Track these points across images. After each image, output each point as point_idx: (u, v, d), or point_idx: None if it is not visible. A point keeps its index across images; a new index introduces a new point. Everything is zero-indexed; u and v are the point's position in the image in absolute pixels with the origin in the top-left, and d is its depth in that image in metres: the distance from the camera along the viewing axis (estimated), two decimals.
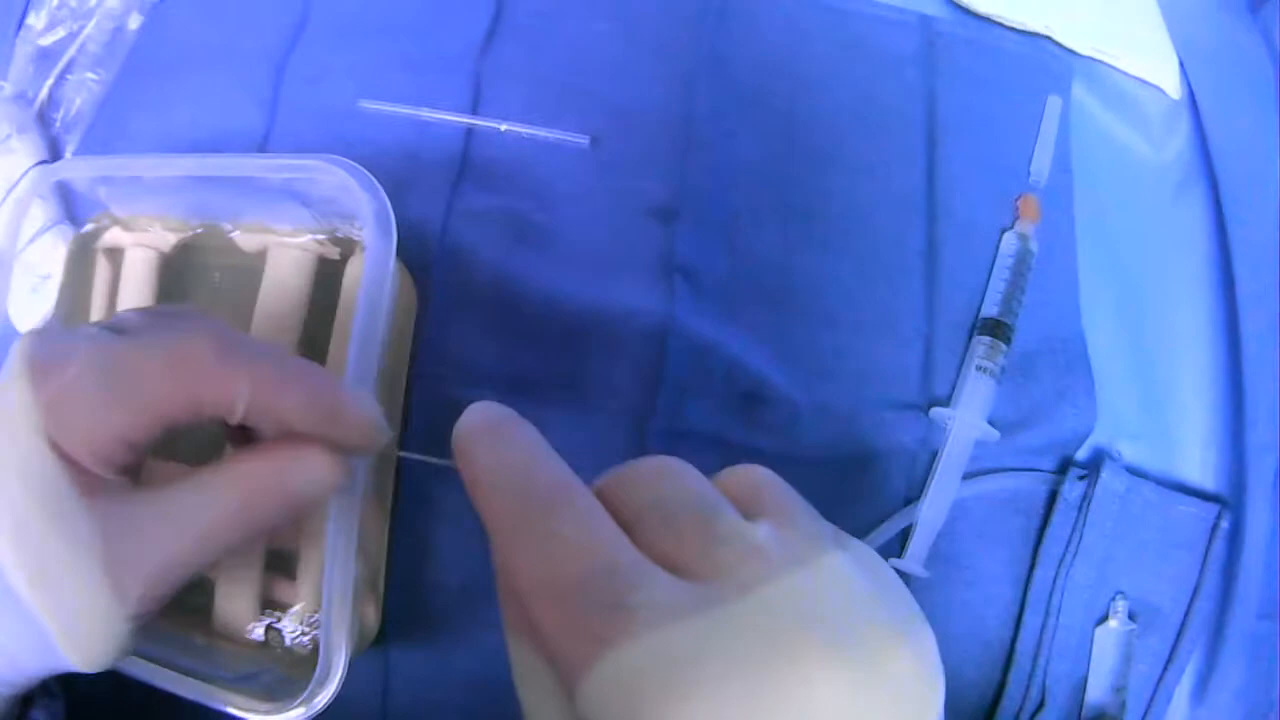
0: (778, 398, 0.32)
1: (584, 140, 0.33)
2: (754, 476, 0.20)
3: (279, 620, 0.31)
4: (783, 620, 0.15)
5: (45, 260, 0.37)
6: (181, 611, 0.32)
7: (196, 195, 0.33)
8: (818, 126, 0.34)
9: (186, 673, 0.28)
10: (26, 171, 0.39)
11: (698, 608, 0.15)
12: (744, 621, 0.15)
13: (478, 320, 0.32)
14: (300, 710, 0.26)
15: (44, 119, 0.41)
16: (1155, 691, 0.35)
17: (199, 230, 0.34)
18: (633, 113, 0.34)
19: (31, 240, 0.38)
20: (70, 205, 0.38)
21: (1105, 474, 0.34)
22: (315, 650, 0.31)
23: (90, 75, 0.41)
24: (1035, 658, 0.34)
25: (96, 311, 0.35)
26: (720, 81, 0.34)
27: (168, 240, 0.35)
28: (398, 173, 0.33)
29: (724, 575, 0.16)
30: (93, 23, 0.42)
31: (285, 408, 0.21)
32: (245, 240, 0.33)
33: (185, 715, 0.29)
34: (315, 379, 0.22)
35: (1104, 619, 0.35)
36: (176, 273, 0.34)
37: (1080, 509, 0.34)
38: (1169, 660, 0.35)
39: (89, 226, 0.37)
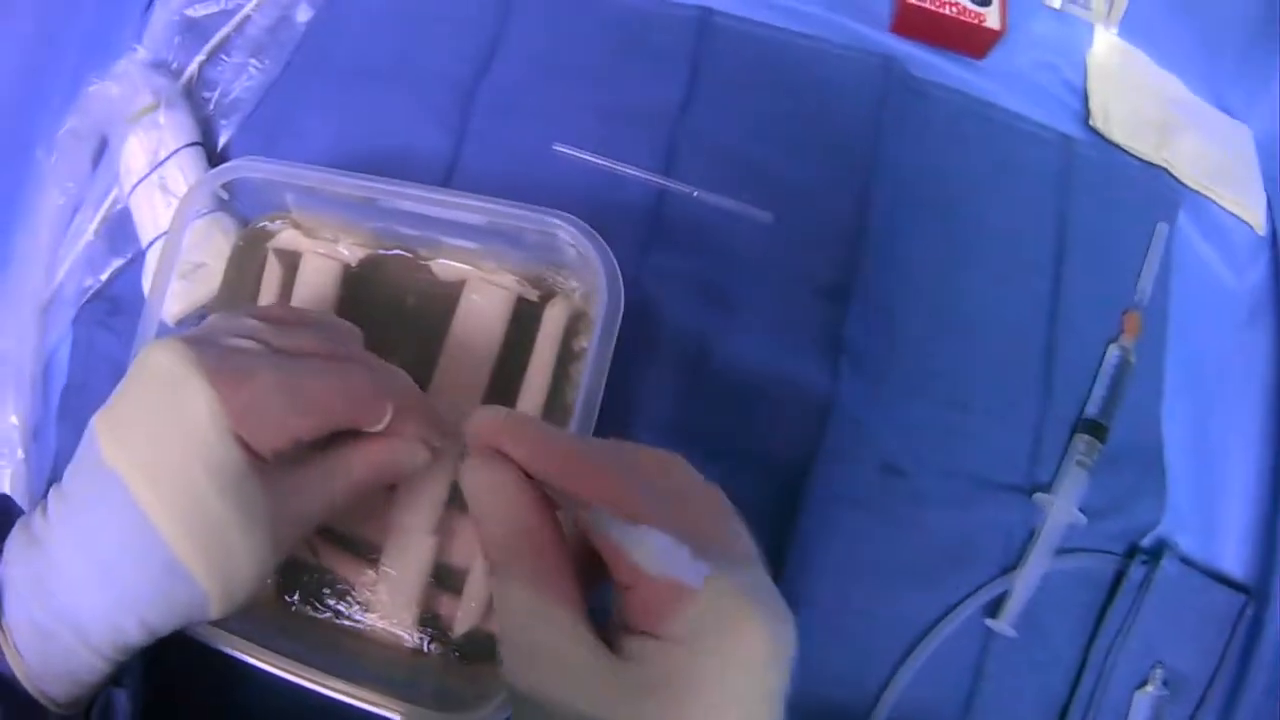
0: (910, 470, 0.36)
1: (768, 216, 0.36)
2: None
3: (443, 628, 0.34)
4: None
5: (197, 248, 0.37)
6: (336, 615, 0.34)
7: (391, 216, 0.35)
8: (969, 230, 0.38)
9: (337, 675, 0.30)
10: (175, 152, 0.38)
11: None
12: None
13: (658, 371, 0.35)
14: (490, 710, 0.29)
15: (192, 96, 0.41)
16: None
17: (393, 251, 0.36)
18: (810, 193, 0.37)
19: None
20: (231, 196, 0.38)
21: (1164, 562, 0.39)
22: (470, 661, 0.33)
23: (253, 62, 0.41)
24: (1086, 713, 0.39)
25: None
26: (891, 176, 0.37)
27: (354, 254, 0.36)
28: (589, 220, 0.35)
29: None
30: (252, 4, 0.41)
31: (408, 425, 0.28)
32: (442, 269, 0.35)
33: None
34: (424, 406, 0.29)
35: (1143, 684, 0.40)
36: (362, 289, 0.36)
37: (1139, 590, 0.39)
38: None
39: (262, 223, 0.38)
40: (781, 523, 0.35)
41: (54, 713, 0.24)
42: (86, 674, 0.25)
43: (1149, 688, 0.40)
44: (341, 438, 0.27)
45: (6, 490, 0.40)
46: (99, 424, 0.24)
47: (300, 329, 0.28)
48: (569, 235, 0.31)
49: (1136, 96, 0.43)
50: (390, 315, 0.35)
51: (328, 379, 0.26)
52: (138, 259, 0.39)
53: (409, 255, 0.35)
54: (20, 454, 0.40)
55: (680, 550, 0.20)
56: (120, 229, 0.39)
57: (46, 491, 0.25)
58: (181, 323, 0.37)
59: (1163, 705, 0.40)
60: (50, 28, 0.42)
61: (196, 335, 0.26)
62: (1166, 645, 0.40)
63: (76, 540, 0.24)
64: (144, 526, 0.23)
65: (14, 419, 0.40)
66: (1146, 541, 0.40)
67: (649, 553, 0.20)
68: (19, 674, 0.24)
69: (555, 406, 0.34)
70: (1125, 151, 0.42)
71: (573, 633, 0.20)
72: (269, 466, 0.25)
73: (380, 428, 0.27)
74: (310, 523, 0.28)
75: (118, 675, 0.26)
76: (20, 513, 0.26)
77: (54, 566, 0.24)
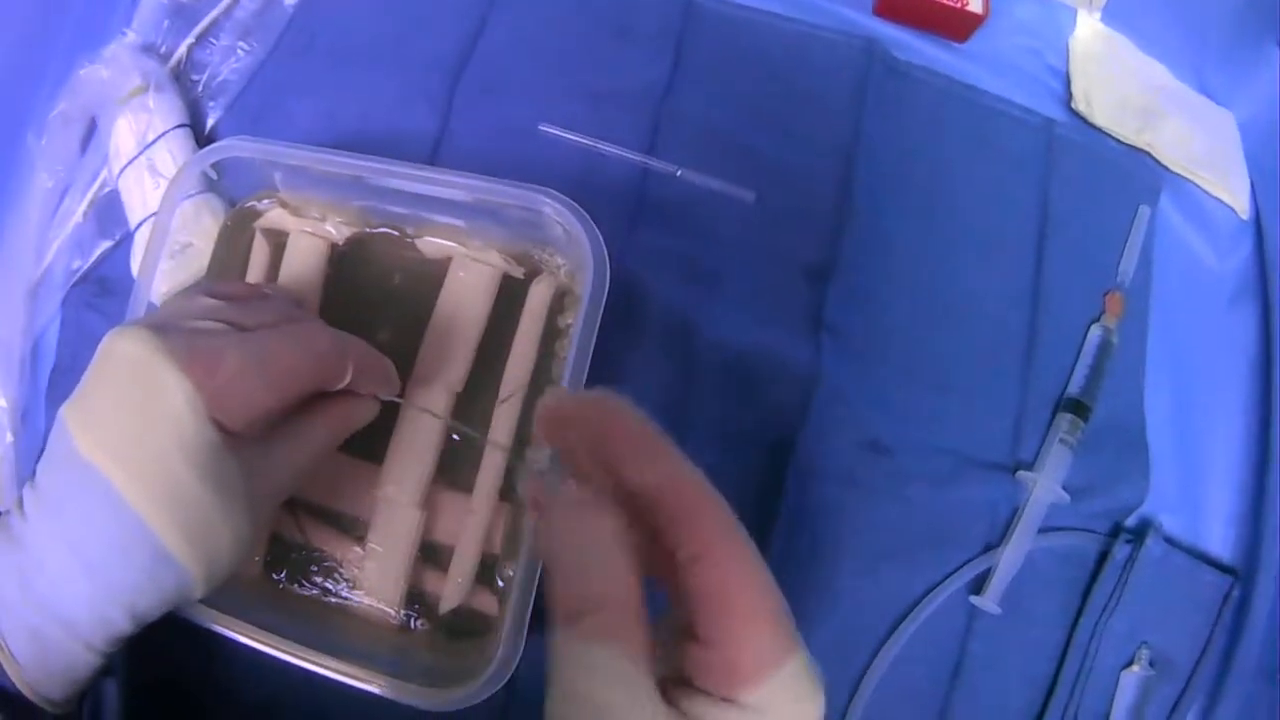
0: (894, 448, 0.36)
1: (750, 195, 0.36)
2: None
3: (430, 605, 0.34)
4: None
5: (185, 228, 0.37)
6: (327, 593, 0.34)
7: (379, 194, 0.35)
8: (949, 213, 0.38)
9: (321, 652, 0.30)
10: (164, 134, 0.39)
11: None
12: None
13: (643, 348, 0.35)
14: (475, 688, 0.29)
15: (181, 79, 0.41)
16: None
17: (379, 229, 0.36)
18: (792, 173, 0.37)
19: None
20: (220, 176, 0.38)
21: (1149, 541, 0.39)
22: (456, 638, 0.34)
23: (241, 44, 0.41)
24: (1072, 692, 0.39)
25: None
26: (873, 158, 0.38)
27: (341, 233, 0.36)
28: (574, 199, 0.36)
29: None
30: None
31: (364, 382, 0.29)
32: (428, 247, 0.35)
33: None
34: (381, 361, 0.30)
35: (1129, 664, 0.40)
36: (350, 267, 0.36)
37: (1124, 569, 0.40)
38: (1175, 706, 0.41)
39: (250, 203, 0.38)
40: (766, 500, 0.35)
41: (50, 714, 0.24)
42: (83, 669, 0.25)
43: (1135, 668, 0.40)
44: (302, 403, 0.27)
45: None
46: (70, 417, 0.24)
47: (256, 302, 0.28)
48: (555, 212, 0.31)
49: (1119, 81, 0.44)
50: (377, 293, 0.36)
51: (294, 346, 0.26)
52: (126, 241, 0.39)
53: (396, 233, 0.36)
54: (9, 437, 0.40)
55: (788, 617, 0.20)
56: (109, 211, 0.39)
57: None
58: None
59: (1150, 685, 0.40)
60: (41, 12, 0.42)
61: (158, 321, 0.26)
62: (1152, 626, 0.40)
63: (58, 535, 0.24)
64: (129, 518, 0.23)
65: (2, 401, 0.40)
66: (1131, 521, 0.41)
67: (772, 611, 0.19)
68: (16, 681, 0.24)
69: (540, 383, 0.34)
70: (1107, 135, 0.42)
71: (650, 698, 0.19)
72: (242, 442, 0.25)
73: (342, 385, 0.28)
74: (284, 491, 0.28)
75: (108, 666, 0.26)
76: None
77: (38, 564, 0.24)
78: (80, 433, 0.24)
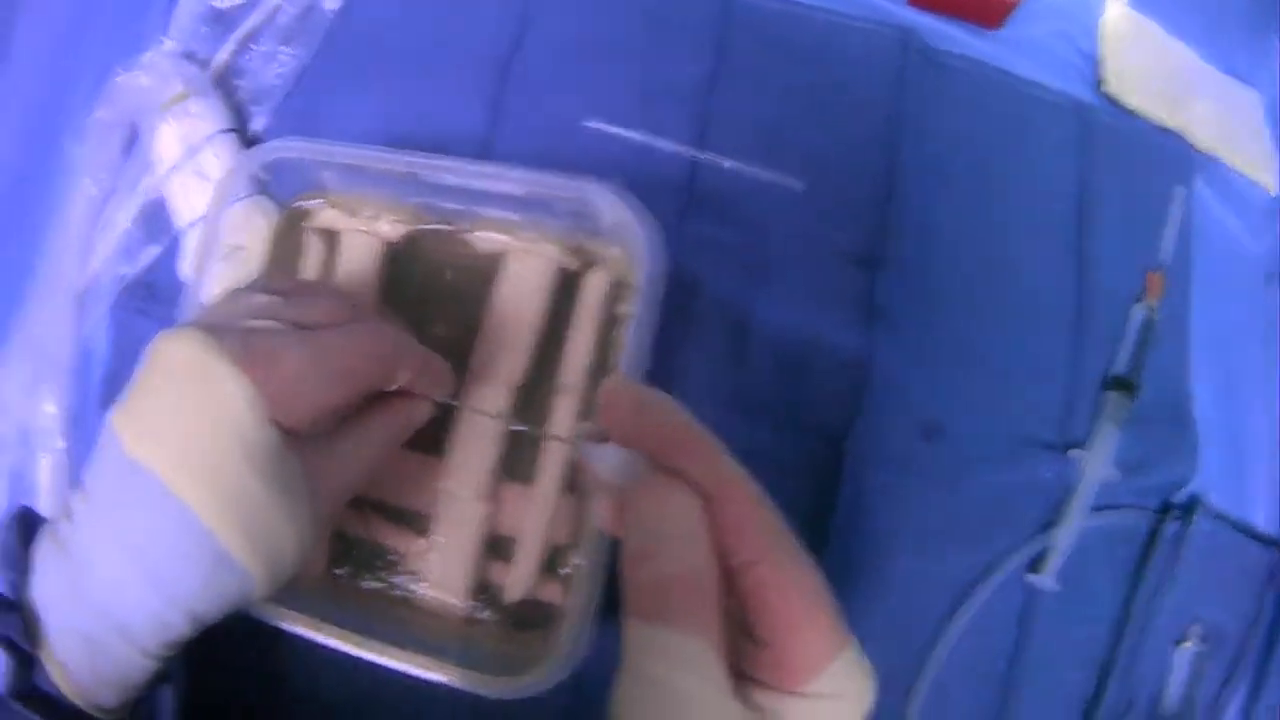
0: (948, 431, 0.37)
1: (798, 185, 0.36)
2: None
3: (495, 595, 0.34)
4: None
5: (237, 231, 0.37)
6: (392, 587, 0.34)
7: (430, 191, 0.35)
8: (992, 197, 0.39)
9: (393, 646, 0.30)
10: (209, 139, 0.39)
11: None
12: None
13: (697, 339, 0.35)
14: (543, 675, 0.29)
15: (223, 85, 0.41)
16: (1215, 704, 0.41)
17: (432, 226, 0.36)
18: (838, 163, 0.37)
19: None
20: (269, 178, 0.38)
21: (1197, 517, 0.40)
22: (522, 627, 0.34)
23: (283, 49, 0.41)
24: (1129, 670, 0.39)
25: None
26: (916, 145, 0.38)
27: (394, 230, 0.36)
28: None
29: None
30: None
31: (422, 383, 0.29)
32: (482, 241, 0.35)
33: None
34: (436, 361, 0.30)
35: (1181, 640, 0.40)
36: (403, 264, 0.36)
37: (1174, 545, 0.40)
38: (1227, 680, 0.41)
39: (300, 204, 0.38)
40: (824, 488, 0.35)
41: None
42: (137, 674, 0.24)
43: (1188, 644, 0.40)
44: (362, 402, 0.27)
45: (45, 480, 0.40)
46: (120, 422, 0.24)
47: (311, 298, 0.28)
48: (608, 203, 0.31)
49: (1149, 62, 0.44)
50: (432, 289, 0.36)
51: (353, 344, 0.26)
52: (173, 245, 0.39)
53: (449, 229, 0.36)
54: (60, 443, 0.40)
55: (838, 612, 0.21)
56: (155, 217, 0.39)
57: None
58: None
59: (1202, 661, 0.41)
60: (74, 22, 0.42)
61: (210, 321, 0.25)
62: (1203, 601, 0.41)
63: (111, 541, 0.23)
64: (189, 521, 0.23)
65: (51, 408, 0.40)
66: (1179, 498, 0.41)
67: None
68: (65, 689, 0.23)
69: (598, 374, 0.34)
70: (1140, 117, 0.42)
71: (726, 688, 0.19)
72: (302, 441, 0.25)
73: (394, 387, 0.28)
74: (347, 491, 0.28)
75: (164, 671, 0.26)
76: (42, 522, 0.26)
77: (91, 571, 0.23)
78: (133, 437, 0.23)
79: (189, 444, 0.23)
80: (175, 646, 0.25)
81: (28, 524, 0.26)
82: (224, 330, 0.24)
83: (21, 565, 0.24)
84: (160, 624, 0.23)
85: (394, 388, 0.28)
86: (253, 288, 0.28)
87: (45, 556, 0.24)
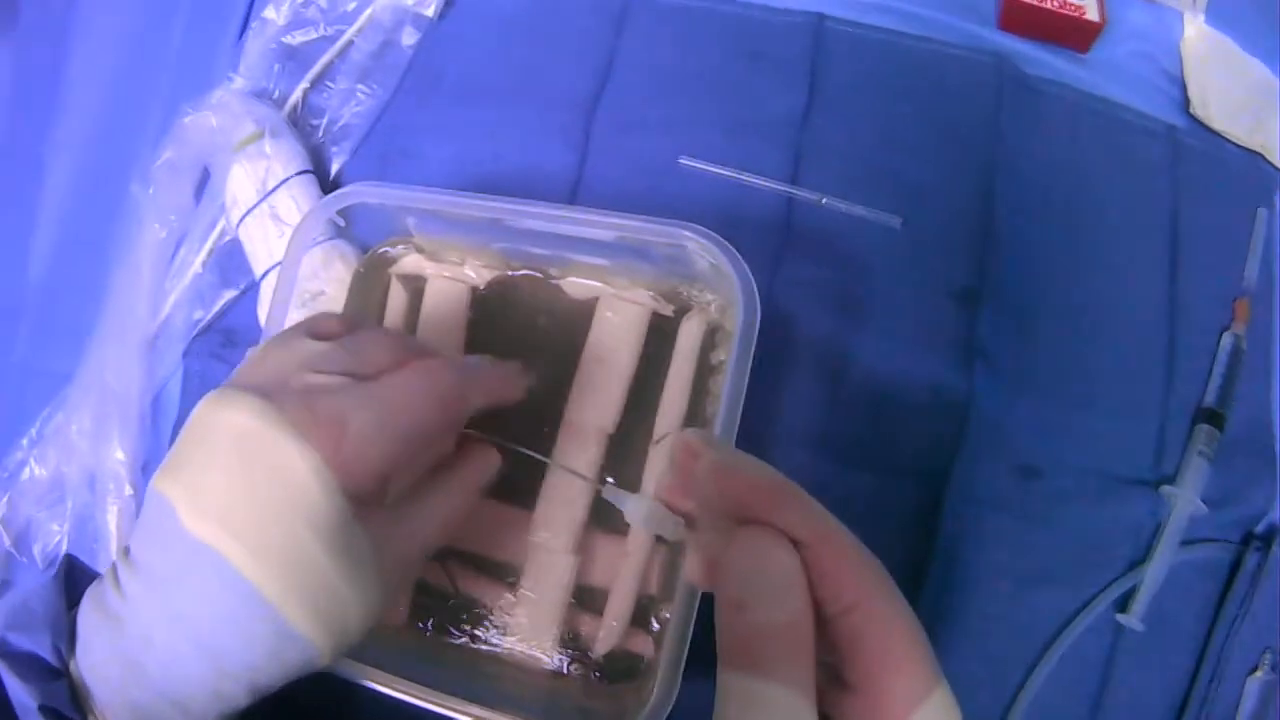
0: (1045, 470, 0.36)
1: (896, 221, 0.36)
2: None
3: (584, 648, 0.34)
4: None
5: (316, 276, 0.36)
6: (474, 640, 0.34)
7: (518, 235, 0.34)
8: (1089, 227, 0.38)
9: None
10: (285, 181, 0.37)
11: None
12: None
13: (795, 381, 0.35)
14: None
15: (298, 124, 0.40)
16: None
17: (521, 272, 0.35)
18: (936, 196, 0.37)
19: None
20: (348, 223, 0.38)
21: (1275, 548, 0.40)
22: (612, 681, 0.33)
23: (360, 87, 0.40)
24: (1204, 703, 0.40)
25: None
26: (1013, 175, 0.37)
27: (482, 276, 0.35)
28: (719, 232, 0.35)
29: None
30: (355, 29, 0.40)
31: (496, 400, 0.28)
32: (573, 287, 0.35)
33: None
34: (503, 369, 0.29)
35: (1253, 670, 0.41)
36: (492, 311, 0.35)
37: (1254, 576, 0.40)
38: None
39: (384, 249, 0.37)
40: (923, 529, 0.35)
41: None
42: None
43: (1259, 673, 0.40)
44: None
45: (113, 527, 0.39)
46: (172, 493, 0.22)
47: (365, 340, 0.26)
48: (701, 247, 0.31)
49: (1229, 82, 0.43)
50: (522, 336, 0.35)
51: (419, 391, 0.25)
52: (250, 290, 0.38)
53: (538, 275, 0.35)
54: (128, 490, 0.39)
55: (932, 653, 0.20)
56: (230, 260, 0.38)
57: None
58: None
59: (1270, 690, 0.41)
60: (139, 60, 0.41)
61: (262, 380, 0.24)
62: (1274, 630, 0.41)
63: (168, 616, 0.22)
64: (251, 598, 0.22)
65: (121, 454, 0.39)
66: (1259, 529, 0.41)
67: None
68: None
69: (694, 421, 0.34)
70: (1224, 138, 0.42)
71: None
72: (373, 503, 0.24)
73: (476, 410, 0.27)
74: (421, 552, 0.27)
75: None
76: (86, 571, 0.25)
77: (148, 645, 0.22)
78: (193, 514, 0.22)
79: (251, 518, 0.22)
80: (234, 715, 0.24)
81: (73, 579, 0.25)
82: (281, 393, 0.23)
83: (63, 628, 0.24)
84: (219, 697, 0.23)
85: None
86: (299, 331, 0.27)
87: (95, 629, 0.23)
